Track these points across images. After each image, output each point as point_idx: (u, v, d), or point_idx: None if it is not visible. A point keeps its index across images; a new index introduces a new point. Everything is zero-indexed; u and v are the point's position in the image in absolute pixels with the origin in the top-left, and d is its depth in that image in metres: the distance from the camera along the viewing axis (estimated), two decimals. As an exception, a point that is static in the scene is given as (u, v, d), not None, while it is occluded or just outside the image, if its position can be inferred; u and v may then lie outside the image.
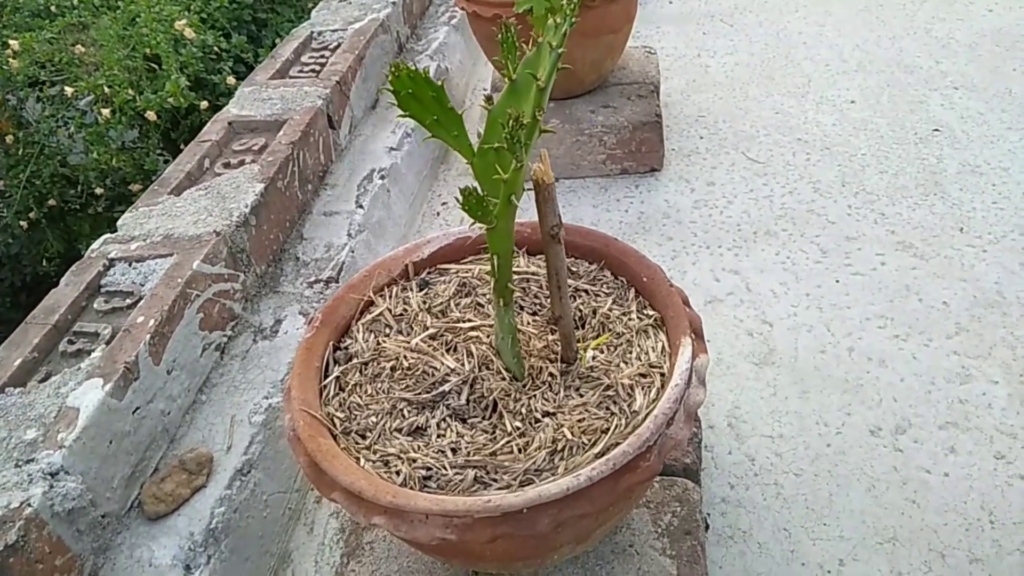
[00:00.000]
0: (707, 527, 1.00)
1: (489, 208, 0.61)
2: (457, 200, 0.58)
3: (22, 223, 2.67)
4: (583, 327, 0.82)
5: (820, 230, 1.45)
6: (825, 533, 0.99)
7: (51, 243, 2.81)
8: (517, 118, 0.54)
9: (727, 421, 1.14)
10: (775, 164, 1.64)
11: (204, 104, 2.50)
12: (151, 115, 2.51)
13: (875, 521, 0.99)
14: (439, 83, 0.62)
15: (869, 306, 1.29)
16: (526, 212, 0.77)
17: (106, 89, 2.60)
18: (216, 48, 2.71)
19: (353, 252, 1.34)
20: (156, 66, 2.62)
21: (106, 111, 2.53)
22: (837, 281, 1.34)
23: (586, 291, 0.86)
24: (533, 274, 0.89)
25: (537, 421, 0.73)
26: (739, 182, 1.60)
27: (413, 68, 0.61)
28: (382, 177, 1.51)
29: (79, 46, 2.70)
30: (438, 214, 1.66)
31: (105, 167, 2.70)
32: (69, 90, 2.55)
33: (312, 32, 1.76)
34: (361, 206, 1.43)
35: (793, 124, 1.75)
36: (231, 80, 2.56)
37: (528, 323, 0.83)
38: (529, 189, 0.64)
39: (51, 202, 2.73)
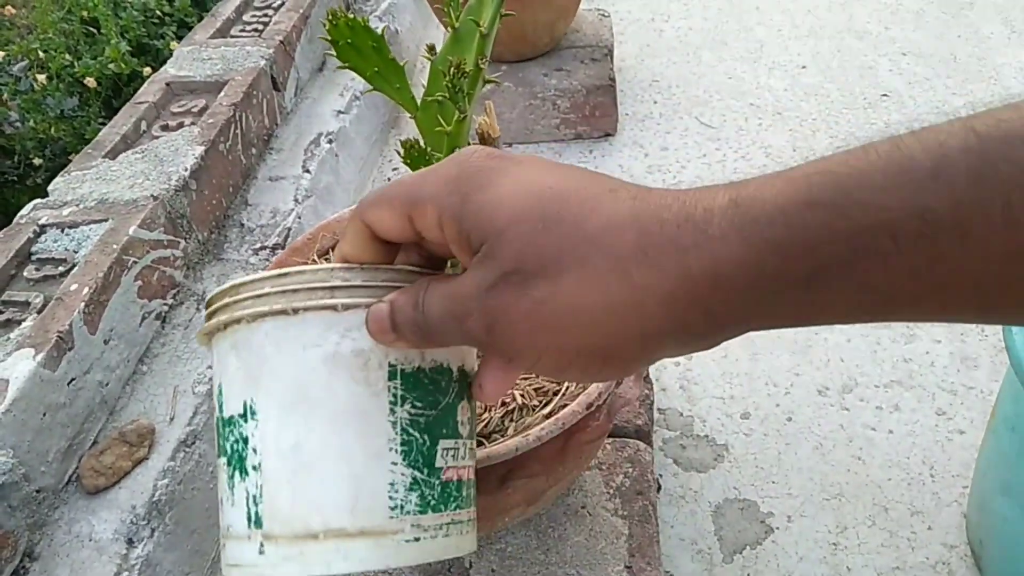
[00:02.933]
0: (659, 488, 1.01)
1: (432, 162, 0.59)
2: (398, 153, 0.56)
3: (-45, 195, 2.55)
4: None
5: (771, 194, 1.46)
6: (774, 491, 1.00)
7: (-13, 216, 2.70)
8: (459, 66, 0.52)
9: (679, 383, 1.14)
10: (728, 129, 1.64)
11: (147, 70, 2.40)
12: (91, 82, 2.40)
13: (822, 478, 1.01)
14: (379, 32, 0.60)
15: (818, 269, 1.30)
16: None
17: (41, 54, 2.48)
18: (158, 12, 2.59)
19: (300, 218, 1.30)
20: (95, 30, 2.50)
21: (42, 77, 2.41)
22: (787, 244, 1.35)
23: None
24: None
25: (487, 383, 0.72)
26: (692, 147, 1.60)
27: (352, 16, 0.58)
28: (330, 141, 1.47)
29: (9, 7, 2.57)
30: (388, 179, 1.63)
31: (43, 136, 2.58)
32: (0, 54, 2.42)
33: (255, -9, 1.69)
34: (308, 171, 1.39)
35: (745, 89, 1.75)
36: (175, 45, 2.46)
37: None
38: (474, 143, 0.62)
39: (-15, 173, 2.61)
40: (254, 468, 0.36)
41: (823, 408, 1.09)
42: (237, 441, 0.37)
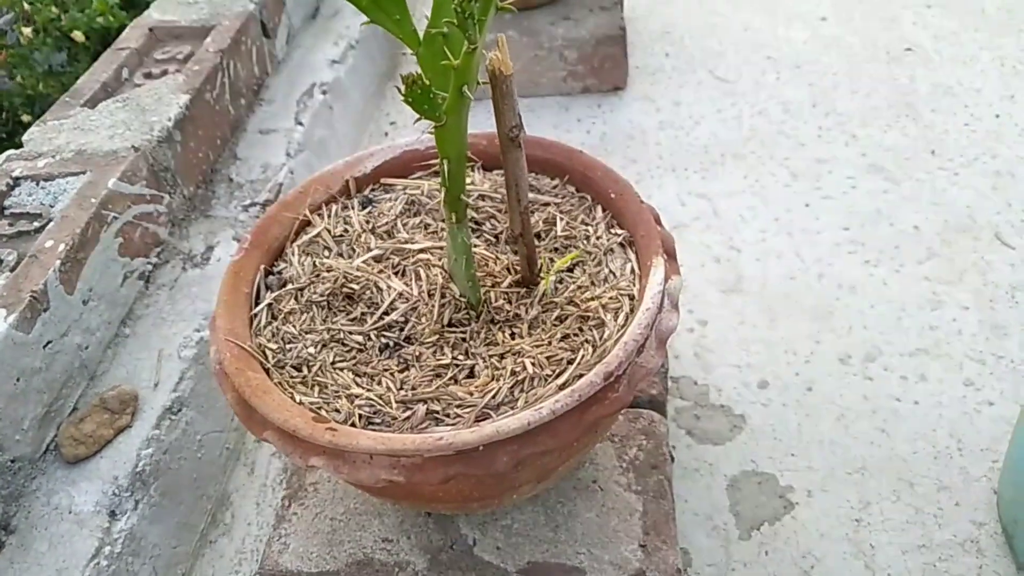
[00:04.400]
0: (672, 460, 0.95)
1: (437, 101, 0.52)
2: (398, 90, 0.49)
3: (-58, 152, 2.47)
4: (545, 246, 0.75)
5: (790, 152, 1.39)
6: (793, 464, 0.95)
7: (-28, 172, 2.62)
8: (469, -13, 0.45)
9: (693, 351, 1.09)
10: (744, 83, 1.56)
11: (138, 24, 2.30)
12: (78, 35, 2.30)
13: (844, 451, 0.96)
14: (376, -47, 0.52)
15: (839, 231, 1.24)
16: (481, 124, 0.69)
17: (26, 6, 2.37)
18: (147, -39, 2.49)
19: (292, 173, 1.23)
20: (82, -19, 2.39)
21: (28, 31, 2.31)
22: (807, 205, 1.29)
23: (547, 205, 0.78)
24: (490, 194, 0.80)
25: (495, 351, 0.66)
26: (706, 102, 1.52)
27: (344, -68, 0.50)
28: (324, 92, 1.39)
29: (-10, -46, 2.45)
30: (386, 134, 1.55)
31: (31, 93, 2.49)
32: (-16, 9, 2.32)
33: (244, -69, 1.59)
34: (301, 123, 1.31)
35: (762, 41, 1.66)
36: (164, -4, 2.36)
37: (484, 245, 0.75)
38: (484, 83, 0.55)
39: (-27, 131, 2.52)
40: None
41: (845, 377, 1.03)
42: None
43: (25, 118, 2.61)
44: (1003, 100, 1.46)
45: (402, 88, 0.50)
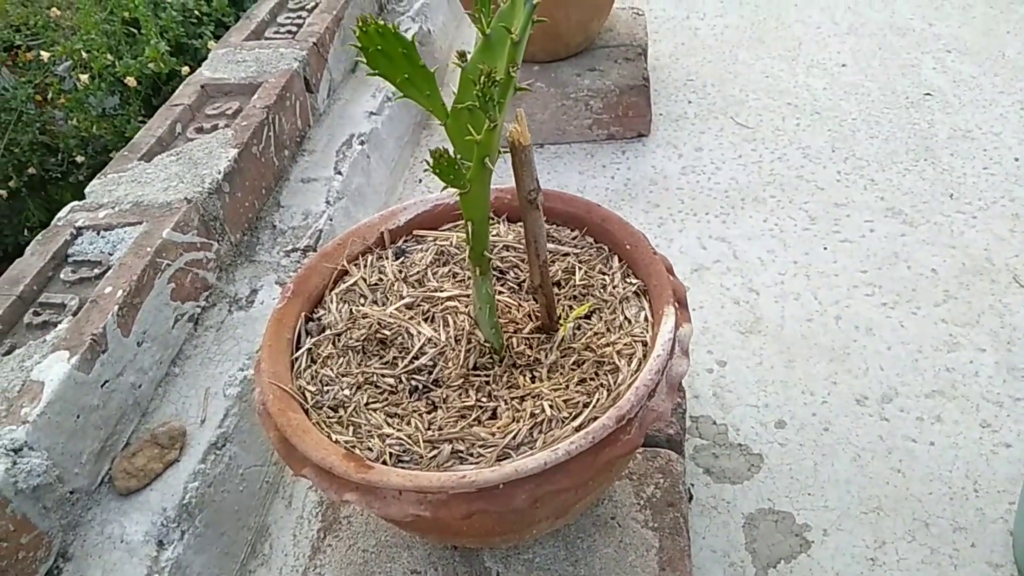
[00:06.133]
0: (691, 498, 0.99)
1: (462, 172, 0.58)
2: (427, 163, 0.55)
3: (1, 192, 2.61)
4: (564, 294, 0.80)
5: (809, 196, 1.43)
6: (809, 503, 0.98)
7: (32, 212, 2.75)
8: (489, 74, 0.51)
9: (712, 391, 1.12)
10: (764, 129, 1.61)
11: (186, 69, 2.43)
12: (131, 81, 2.44)
13: (860, 491, 0.98)
14: (410, 39, 0.59)
15: (857, 273, 1.27)
16: (507, 178, 0.74)
17: (84, 54, 2.53)
18: (197, 11, 2.63)
19: (332, 220, 1.30)
20: (135, 30, 2.54)
21: (84, 77, 2.45)
22: (825, 248, 1.32)
23: (567, 255, 0.83)
24: (514, 245, 0.86)
25: (516, 394, 0.71)
26: (728, 147, 1.57)
27: (382, 22, 0.57)
28: (362, 143, 1.47)
29: (55, 9, 2.62)
30: (420, 181, 1.62)
31: (86, 135, 2.63)
32: (45, 55, 2.47)
33: (288, -8, 1.70)
34: (340, 172, 1.39)
35: (783, 88, 1.71)
36: (212, 44, 2.49)
37: (507, 293, 0.81)
38: (505, 151, 0.60)
39: (31, 171, 2.67)
40: None
41: (861, 418, 1.06)
42: None
43: (79, 159, 2.75)
44: (1022, 144, 1.48)
45: (430, 161, 0.56)
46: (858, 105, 1.64)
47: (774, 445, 1.05)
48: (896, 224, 1.35)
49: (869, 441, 1.03)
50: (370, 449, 0.67)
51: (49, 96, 2.61)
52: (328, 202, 1.33)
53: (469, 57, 0.60)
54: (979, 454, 1.00)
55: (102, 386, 0.92)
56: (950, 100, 1.62)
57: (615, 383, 0.70)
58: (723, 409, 1.10)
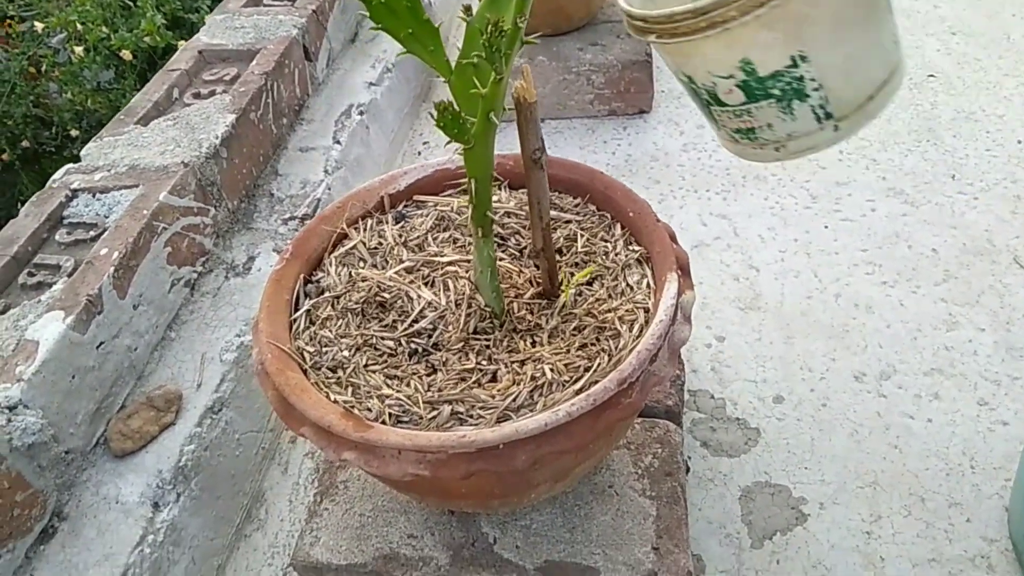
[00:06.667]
0: (688, 470, 0.99)
1: (466, 126, 0.57)
2: (431, 116, 0.54)
3: (-6, 165, 2.58)
4: (566, 261, 0.79)
5: (810, 175, 1.42)
6: (806, 477, 0.98)
7: (25, 186, 2.73)
8: (496, 23, 0.50)
9: (710, 365, 1.12)
10: (767, 107, 1.59)
11: (182, 43, 2.40)
12: (126, 54, 2.41)
13: (857, 466, 0.98)
14: (414, -9, 0.58)
15: (858, 252, 1.26)
16: (508, 145, 0.73)
17: (78, 26, 2.49)
18: (194, -16, 2.59)
19: (330, 189, 1.29)
20: (131, 3, 2.50)
21: (79, 49, 2.42)
22: (826, 227, 1.32)
23: (568, 222, 0.82)
24: (515, 211, 0.85)
25: (516, 358, 0.70)
26: (729, 125, 1.56)
27: (386, -27, 0.56)
28: (361, 113, 1.46)
29: (48, -22, 2.58)
30: (419, 153, 1.61)
31: (80, 108, 2.60)
32: (39, 26, 2.44)
33: (289, -41, 1.68)
34: (339, 142, 1.38)
35: (786, 67, 1.70)
36: (209, 19, 2.46)
37: (508, 259, 0.80)
38: (510, 109, 0.60)
39: (24, 144, 2.64)
40: (815, 89, 0.56)
41: (859, 395, 1.06)
42: (789, 83, 0.56)
43: (74, 132, 2.72)
44: (1025, 126, 1.48)
45: (434, 114, 0.55)
46: (861, 85, 1.62)
47: (772, 420, 1.04)
48: (897, 204, 1.34)
49: (867, 417, 1.03)
50: (369, 409, 0.67)
51: (43, 69, 2.58)
52: (326, 171, 1.32)
53: (475, 10, 0.59)
54: (976, 431, 1.00)
55: (97, 347, 0.91)
56: (954, 82, 1.61)
57: (616, 348, 0.69)
58: (721, 384, 1.10)
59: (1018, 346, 1.10)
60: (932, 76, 1.63)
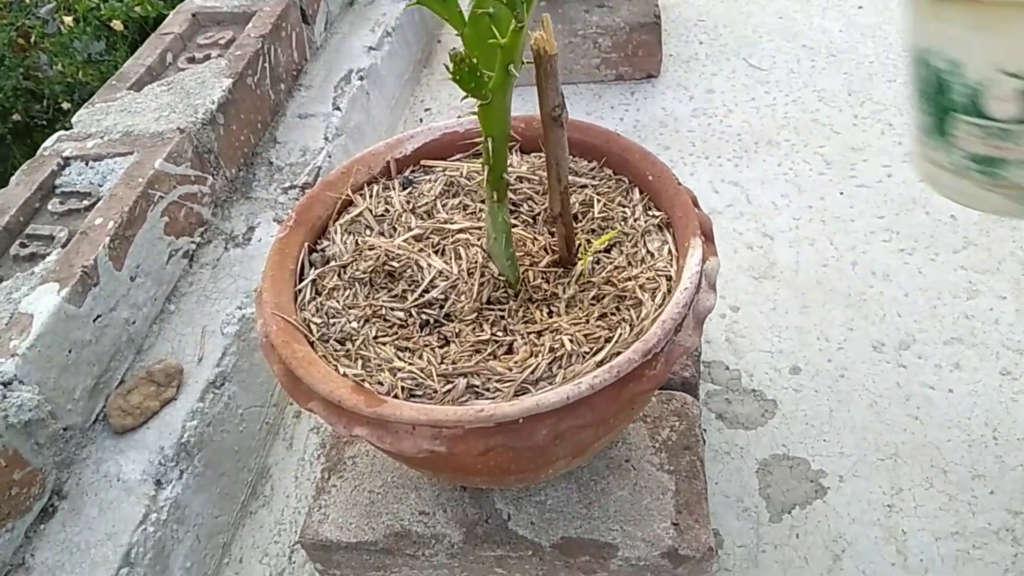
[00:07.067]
0: (703, 443, 0.96)
1: (483, 79, 0.53)
2: (446, 67, 0.50)
3: (-14, 139, 2.52)
4: (582, 227, 0.76)
5: (824, 140, 1.38)
6: (825, 449, 0.96)
7: (17, 159, 2.67)
8: (519, -34, 0.46)
9: (725, 336, 1.09)
10: (778, 71, 1.55)
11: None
12: (117, 24, 2.34)
13: (876, 437, 0.96)
14: (426, -66, 0.54)
15: (874, 219, 1.23)
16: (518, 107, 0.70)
17: (67, -6, 2.42)
18: (184, -50, 2.52)
19: (331, 157, 1.25)
20: (121, -29, 2.43)
21: (68, 19, 2.35)
22: (841, 193, 1.28)
23: (584, 187, 0.79)
24: (528, 176, 0.81)
25: (533, 329, 0.67)
26: (740, 90, 1.52)
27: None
28: (361, 78, 1.41)
29: (34, -55, 2.50)
30: (421, 120, 1.57)
31: (71, 80, 2.54)
32: (27, -6, 2.36)
33: (283, -81, 1.62)
34: (339, 108, 1.33)
35: (798, 30, 1.65)
36: (201, -16, 2.39)
37: (522, 226, 0.77)
38: (528, 62, 0.56)
39: (15, 117, 2.58)
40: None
41: (878, 365, 1.03)
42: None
43: (65, 105, 2.65)
44: (1045, 89, 1.43)
45: (450, 66, 0.51)
46: (875, 48, 1.58)
47: (788, 391, 1.02)
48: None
49: (886, 388, 1.01)
50: (380, 383, 0.64)
51: (32, 40, 2.51)
52: (327, 138, 1.28)
53: (492, -44, 0.55)
54: (999, 401, 0.98)
55: (94, 320, 0.88)
56: (971, 44, 1.56)
57: (638, 318, 0.66)
58: (736, 355, 1.07)
59: (1040, 314, 1.07)
60: (948, 38, 1.58)
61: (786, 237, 1.22)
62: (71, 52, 2.41)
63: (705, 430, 0.98)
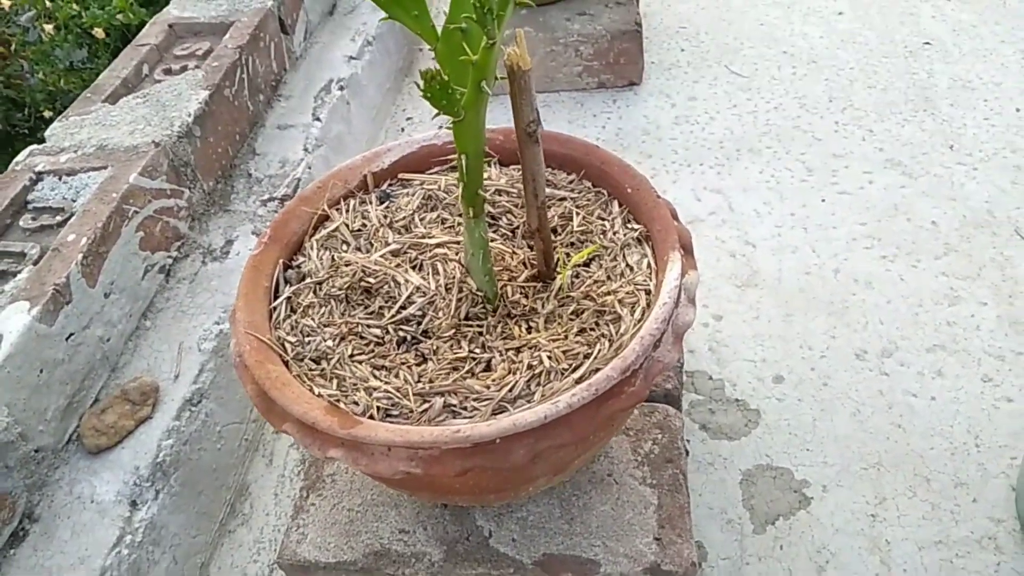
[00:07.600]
0: (687, 454, 0.96)
1: (456, 96, 0.52)
2: (417, 86, 0.49)
3: (-35, 148, 2.49)
4: (561, 241, 0.75)
5: (806, 147, 1.38)
6: (808, 459, 0.95)
7: (-2, 169, 2.65)
8: (488, -18, 0.45)
9: (708, 345, 1.09)
10: (760, 78, 1.55)
11: (156, 22, 2.32)
12: (99, 32, 2.32)
13: (860, 446, 0.96)
14: (396, -51, 0.53)
15: (856, 226, 1.23)
16: (496, 120, 0.69)
17: (48, 3, 2.40)
18: (166, -42, 2.50)
19: (310, 168, 1.24)
20: (102, -22, 2.41)
21: (49, 27, 2.33)
22: (823, 200, 1.28)
23: (563, 200, 0.78)
24: (507, 189, 0.81)
25: (512, 345, 0.66)
26: (722, 97, 1.52)
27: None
28: (341, 88, 1.40)
29: (14, -49, 2.47)
30: (403, 130, 1.56)
31: (53, 89, 2.52)
32: (6, 2, 2.34)
33: (262, -72, 1.60)
34: (319, 119, 1.32)
35: (779, 36, 1.66)
36: (182, -7, 2.37)
37: (500, 240, 0.76)
38: (500, 78, 0.55)
39: (-4, 126, 2.55)
40: None
41: (861, 373, 1.03)
42: None
43: (47, 114, 2.63)
44: None
45: (421, 84, 0.50)
46: (856, 54, 1.59)
47: (772, 400, 1.02)
48: (895, 176, 1.31)
49: (869, 396, 1.01)
50: (356, 403, 0.63)
51: (13, 48, 2.48)
52: (306, 150, 1.26)
53: (463, -29, 0.54)
54: (980, 409, 0.98)
55: (67, 339, 0.86)
56: (950, 49, 1.57)
57: (617, 333, 0.66)
58: (719, 364, 1.06)
59: (1022, 320, 1.07)
60: (928, 44, 1.59)
61: (768, 245, 1.22)
62: (52, 60, 2.38)
63: (688, 441, 0.97)
